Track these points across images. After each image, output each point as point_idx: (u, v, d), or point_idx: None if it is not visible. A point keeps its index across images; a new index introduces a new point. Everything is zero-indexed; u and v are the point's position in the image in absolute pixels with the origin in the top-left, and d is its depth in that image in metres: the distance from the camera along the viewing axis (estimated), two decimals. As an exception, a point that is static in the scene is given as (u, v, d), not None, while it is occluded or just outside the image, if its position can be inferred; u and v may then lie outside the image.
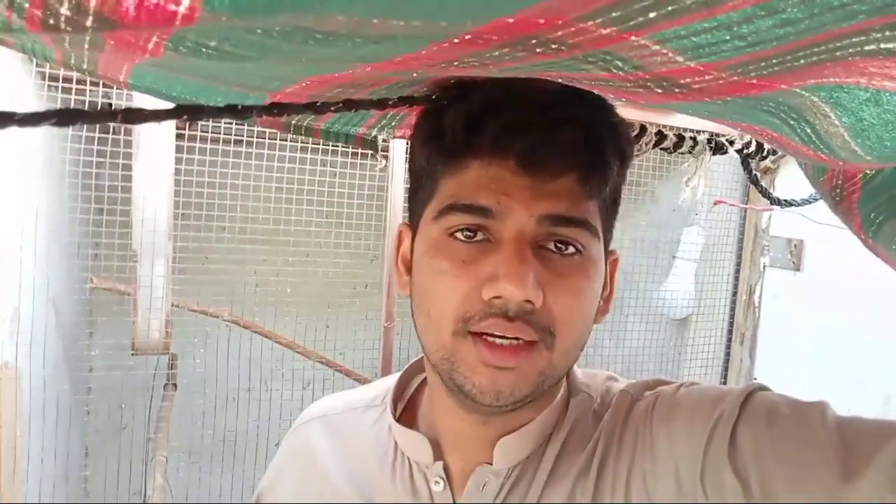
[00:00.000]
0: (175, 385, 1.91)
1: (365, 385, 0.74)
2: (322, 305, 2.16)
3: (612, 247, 0.60)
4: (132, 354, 1.66)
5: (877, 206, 0.52)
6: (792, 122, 0.44)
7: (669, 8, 0.28)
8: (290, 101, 0.52)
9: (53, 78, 1.46)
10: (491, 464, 0.57)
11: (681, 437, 0.53)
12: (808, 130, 0.44)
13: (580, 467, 0.56)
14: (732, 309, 2.62)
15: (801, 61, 0.33)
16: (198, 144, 1.83)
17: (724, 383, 2.59)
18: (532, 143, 0.49)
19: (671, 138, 0.80)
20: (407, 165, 0.62)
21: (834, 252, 2.12)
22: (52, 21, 0.24)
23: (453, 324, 0.51)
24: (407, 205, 0.62)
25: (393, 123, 0.74)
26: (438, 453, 0.59)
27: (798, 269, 2.37)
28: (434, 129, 0.54)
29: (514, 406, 0.52)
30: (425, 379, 0.65)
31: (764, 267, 2.50)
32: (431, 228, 0.54)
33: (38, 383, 1.51)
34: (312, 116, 0.73)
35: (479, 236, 0.51)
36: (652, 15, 0.29)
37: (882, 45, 0.30)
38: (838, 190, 0.56)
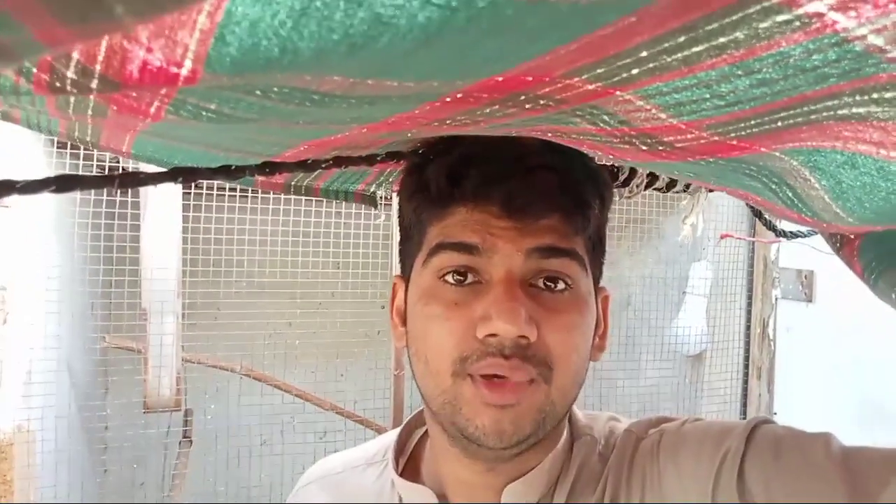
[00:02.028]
0: (190, 440, 1.91)
1: (365, 443, 0.73)
2: (335, 354, 2.16)
3: (609, 285, 0.61)
4: (144, 412, 1.66)
5: (877, 255, 0.53)
6: (773, 187, 0.45)
7: (651, 65, 0.29)
8: (282, 160, 0.54)
9: (62, 145, 1.50)
10: None
11: (688, 474, 0.52)
12: (790, 194, 0.45)
13: None
14: (747, 343, 2.59)
15: (779, 123, 0.34)
16: (203, 203, 1.87)
17: (745, 418, 2.54)
18: (513, 190, 0.51)
19: (663, 178, 0.81)
20: (396, 220, 0.63)
21: (845, 282, 2.09)
22: (58, 84, 0.25)
23: (451, 366, 0.51)
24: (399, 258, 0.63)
25: (391, 179, 0.75)
26: None
27: (810, 301, 2.35)
28: (419, 183, 0.56)
29: (518, 447, 0.52)
30: (426, 432, 0.64)
31: (776, 299, 2.48)
32: (422, 274, 0.55)
33: (53, 445, 1.52)
34: (312, 176, 0.75)
35: (470, 278, 0.52)
36: (634, 71, 0.30)
37: (853, 110, 0.31)
38: (839, 236, 0.56)
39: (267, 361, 2.04)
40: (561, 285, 0.52)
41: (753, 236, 2.39)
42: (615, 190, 0.81)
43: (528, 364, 0.50)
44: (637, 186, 0.84)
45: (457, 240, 0.52)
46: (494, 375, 0.50)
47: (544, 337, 0.50)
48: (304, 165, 0.51)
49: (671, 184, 0.93)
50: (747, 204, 0.61)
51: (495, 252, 0.51)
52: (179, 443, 1.89)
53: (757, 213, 2.14)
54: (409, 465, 0.64)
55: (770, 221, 2.15)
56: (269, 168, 0.51)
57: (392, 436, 0.67)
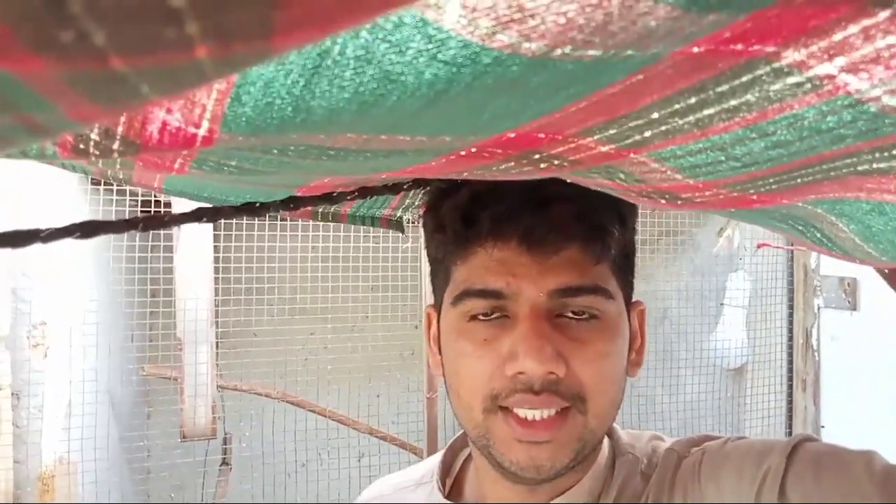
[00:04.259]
0: (229, 466, 1.92)
1: (414, 465, 0.75)
2: (368, 377, 2.17)
3: (645, 298, 0.61)
4: (181, 441, 1.68)
5: None
6: (801, 228, 0.45)
7: (663, 128, 0.29)
8: (307, 194, 0.54)
9: (96, 181, 1.54)
10: None
11: (730, 493, 0.52)
12: (819, 235, 0.44)
13: None
14: (790, 354, 2.52)
15: (798, 180, 0.34)
16: (234, 231, 1.89)
17: (790, 433, 2.47)
18: (527, 224, 0.51)
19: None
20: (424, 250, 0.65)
21: (890, 289, 2.03)
22: (82, 146, 0.26)
23: (482, 402, 0.52)
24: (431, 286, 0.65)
25: (416, 203, 0.75)
26: None
27: (854, 309, 2.28)
28: (436, 224, 0.57)
29: (558, 476, 0.53)
30: (470, 453, 0.65)
31: (818, 308, 2.41)
32: (451, 314, 0.56)
33: (94, 476, 1.54)
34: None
35: (497, 314, 0.53)
36: (647, 134, 0.30)
37: (874, 166, 0.31)
38: None
39: (301, 385, 2.05)
40: (587, 315, 0.53)
41: (792, 244, 2.34)
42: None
43: (559, 396, 0.51)
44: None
45: (481, 286, 0.53)
46: (526, 418, 0.51)
47: (575, 370, 0.51)
48: (329, 198, 0.51)
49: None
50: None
51: (520, 294, 0.52)
52: (219, 469, 1.90)
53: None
54: (454, 486, 0.66)
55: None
56: (293, 203, 0.51)
57: (438, 457, 0.69)
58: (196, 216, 0.48)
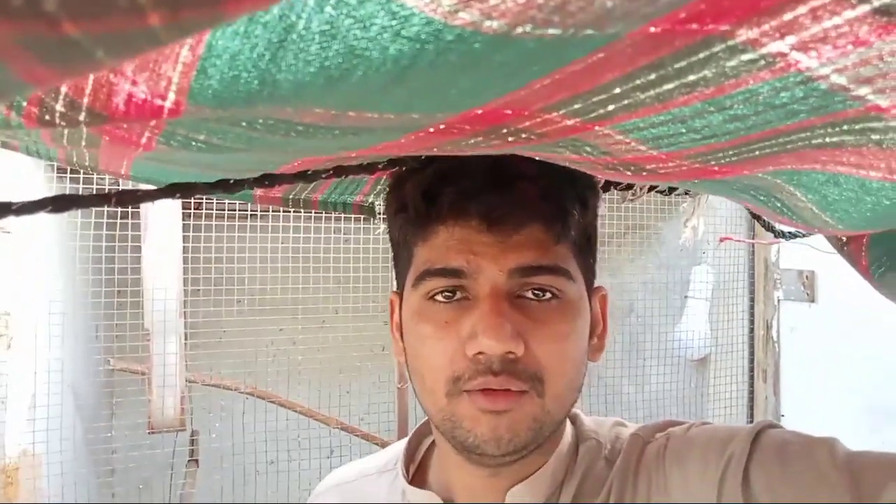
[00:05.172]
0: (197, 461, 1.90)
1: (377, 452, 0.75)
2: (338, 371, 2.16)
3: (612, 292, 0.61)
4: (149, 433, 1.66)
5: (889, 249, 0.53)
6: (762, 198, 0.46)
7: (625, 102, 0.30)
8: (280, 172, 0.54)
9: (62, 170, 1.52)
10: None
11: (694, 478, 0.53)
12: (779, 204, 0.46)
13: None
14: (751, 345, 2.58)
15: (756, 152, 0.35)
16: (203, 222, 1.88)
17: (752, 422, 2.52)
18: (489, 203, 0.51)
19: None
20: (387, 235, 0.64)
21: (847, 280, 2.10)
22: (47, 117, 0.26)
23: (445, 385, 0.52)
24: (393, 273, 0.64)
25: (388, 188, 0.76)
26: None
27: (813, 301, 2.34)
28: (398, 203, 0.57)
29: (517, 454, 0.53)
30: (434, 440, 0.65)
31: (778, 301, 2.47)
32: (412, 296, 0.56)
33: (59, 468, 1.51)
34: (309, 188, 0.75)
35: (458, 295, 0.53)
36: (611, 108, 0.31)
37: (827, 140, 0.32)
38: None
39: (271, 379, 2.04)
40: (548, 295, 0.53)
41: (753, 238, 2.40)
42: (620, 194, 0.82)
43: (518, 379, 0.51)
44: (640, 189, 0.84)
45: (441, 265, 0.53)
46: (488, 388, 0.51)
47: (533, 350, 0.51)
48: (305, 176, 0.51)
49: (673, 187, 0.93)
50: (745, 206, 0.63)
51: (480, 273, 0.52)
52: (186, 463, 1.88)
53: (755, 216, 2.15)
54: (418, 472, 0.66)
55: (768, 223, 2.15)
56: (268, 180, 0.51)
57: (402, 444, 0.68)
58: (170, 192, 0.48)
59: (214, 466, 2.00)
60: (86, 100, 0.25)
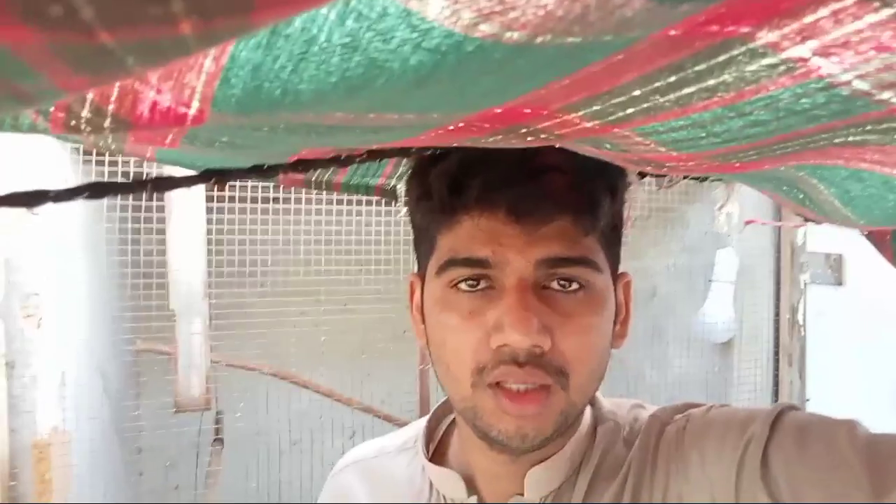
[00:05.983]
0: (222, 441, 1.94)
1: (397, 430, 0.75)
2: (362, 353, 2.18)
3: (635, 276, 0.60)
4: (174, 412, 1.69)
5: None
6: (785, 188, 0.46)
7: (645, 105, 0.30)
8: (313, 157, 0.54)
9: (88, 152, 1.53)
10: (523, 495, 0.57)
11: (713, 460, 0.52)
12: (801, 196, 0.45)
13: (613, 494, 0.56)
14: (776, 330, 2.55)
15: (778, 152, 0.35)
16: (227, 204, 1.89)
17: (776, 407, 2.50)
18: (517, 194, 0.50)
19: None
20: (408, 218, 0.64)
21: (875, 264, 2.06)
22: (73, 123, 0.27)
23: (470, 376, 0.52)
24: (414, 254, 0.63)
25: (410, 172, 0.76)
26: (472, 489, 0.60)
27: (840, 284, 2.31)
28: (422, 190, 0.56)
29: (541, 445, 0.53)
30: (454, 419, 0.66)
31: (805, 284, 2.44)
32: (435, 283, 0.55)
33: (88, 446, 1.55)
34: (332, 170, 0.75)
35: (482, 284, 0.52)
36: (630, 111, 0.31)
37: (850, 139, 0.32)
38: None
39: (294, 360, 2.06)
40: (574, 286, 0.52)
41: (779, 221, 2.36)
42: (656, 181, 0.81)
43: (544, 372, 0.50)
44: (677, 175, 0.83)
45: (466, 255, 0.52)
46: (514, 391, 0.51)
47: (559, 343, 0.50)
48: (338, 161, 0.51)
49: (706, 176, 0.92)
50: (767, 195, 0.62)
51: (506, 264, 0.51)
52: (211, 442, 1.92)
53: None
54: (437, 450, 0.66)
55: (795, 205, 2.12)
56: (301, 166, 0.51)
57: (422, 423, 0.68)
58: (206, 178, 0.48)
59: (239, 446, 2.03)
60: (111, 106, 0.25)
